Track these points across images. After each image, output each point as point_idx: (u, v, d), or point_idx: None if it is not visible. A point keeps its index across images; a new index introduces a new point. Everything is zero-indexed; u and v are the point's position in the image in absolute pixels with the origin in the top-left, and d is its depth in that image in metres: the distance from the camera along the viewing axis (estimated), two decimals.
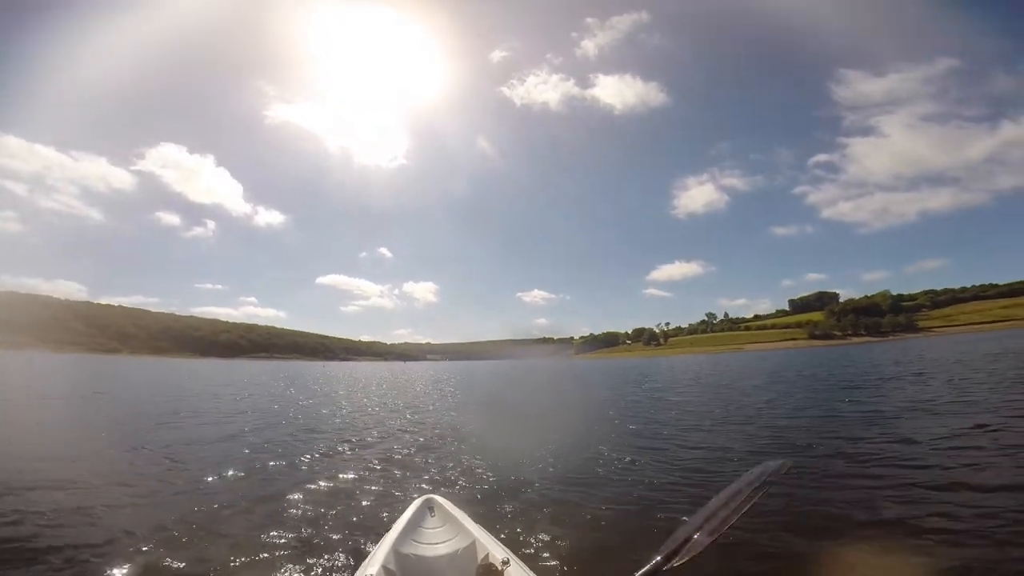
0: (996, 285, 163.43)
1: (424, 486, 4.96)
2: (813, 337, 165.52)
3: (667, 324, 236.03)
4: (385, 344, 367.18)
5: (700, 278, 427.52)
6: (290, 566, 3.21)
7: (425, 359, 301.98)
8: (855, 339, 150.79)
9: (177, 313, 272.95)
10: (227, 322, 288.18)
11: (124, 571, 3.23)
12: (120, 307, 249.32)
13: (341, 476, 5.71)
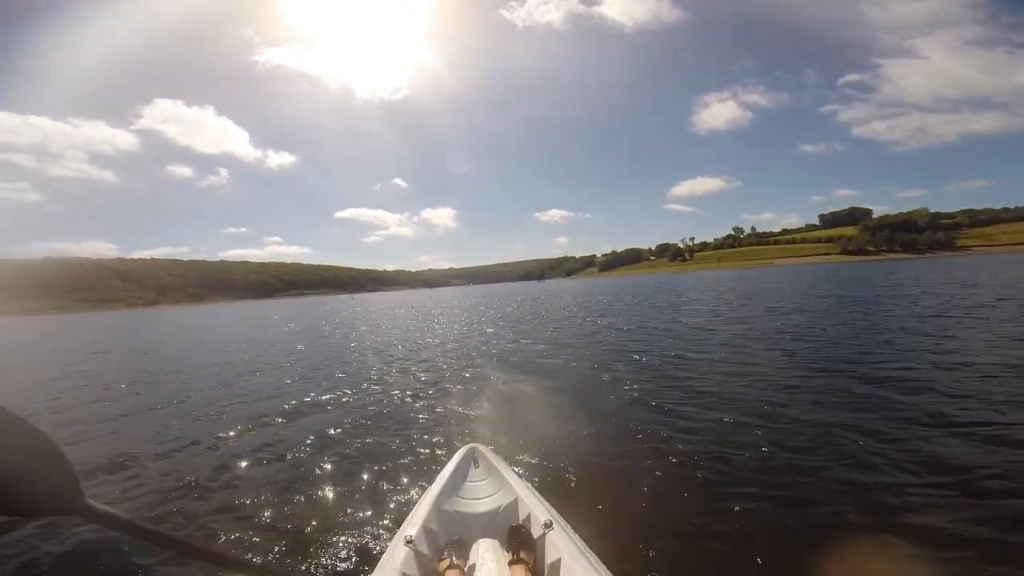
0: None
1: (467, 434, 4.78)
2: (846, 252, 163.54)
3: (692, 239, 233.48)
4: (410, 272, 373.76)
5: (724, 193, 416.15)
6: (327, 522, 3.21)
7: (450, 284, 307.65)
8: (890, 255, 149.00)
9: (207, 260, 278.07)
10: (256, 263, 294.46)
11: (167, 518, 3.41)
12: (152, 260, 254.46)
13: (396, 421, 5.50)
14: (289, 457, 4.49)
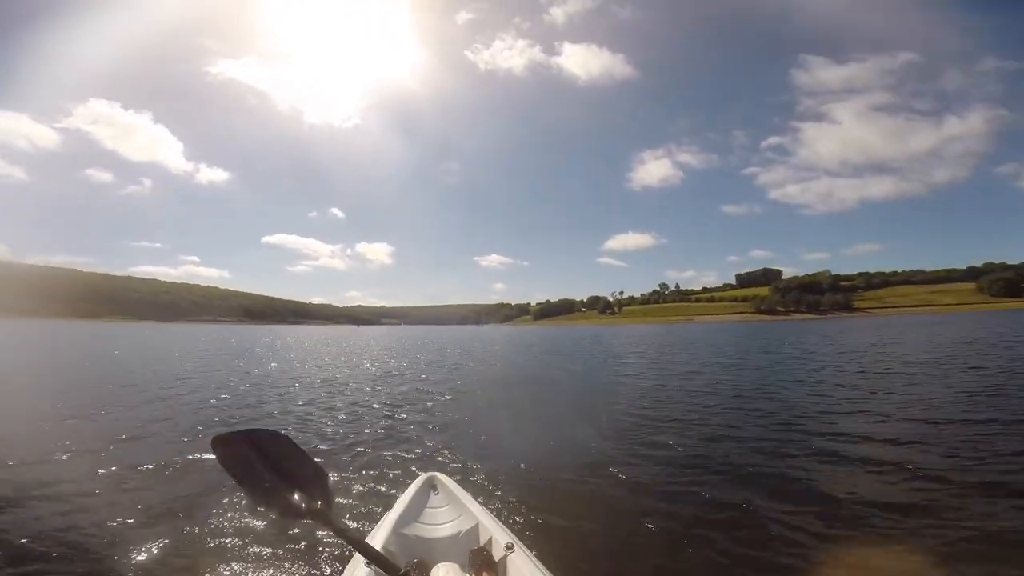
0: (923, 271, 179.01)
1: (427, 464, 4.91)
2: (759, 312, 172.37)
3: (621, 293, 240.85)
4: (337, 307, 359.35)
5: (652, 249, 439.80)
6: (280, 549, 3.08)
7: (380, 323, 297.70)
8: (796, 315, 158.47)
9: (110, 273, 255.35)
10: (167, 282, 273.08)
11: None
12: (44, 267, 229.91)
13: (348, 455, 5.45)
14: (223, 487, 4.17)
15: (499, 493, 3.93)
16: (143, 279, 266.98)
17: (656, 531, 3.29)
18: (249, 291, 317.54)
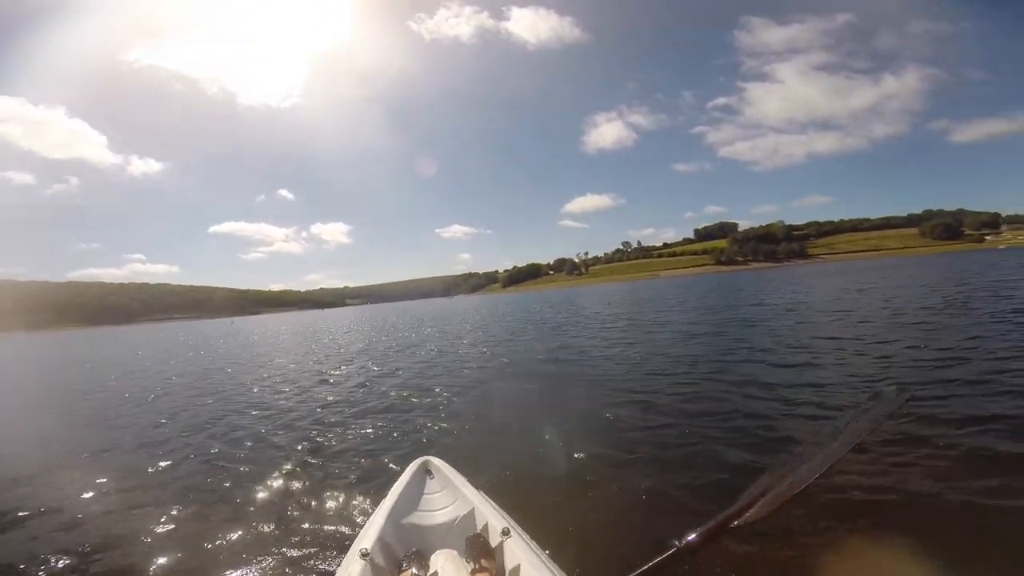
0: (869, 219, 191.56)
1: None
2: (719, 263, 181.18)
3: (586, 253, 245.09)
4: (298, 292, 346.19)
5: (611, 209, 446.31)
6: (274, 545, 3.09)
7: (344, 304, 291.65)
8: (755, 264, 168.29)
9: (51, 280, 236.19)
10: (114, 284, 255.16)
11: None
12: None
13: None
14: (221, 476, 4.40)
15: (492, 475, 3.77)
16: (87, 283, 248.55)
17: (651, 513, 3.15)
18: (204, 284, 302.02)
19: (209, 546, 3.13)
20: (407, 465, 2.91)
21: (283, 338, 25.91)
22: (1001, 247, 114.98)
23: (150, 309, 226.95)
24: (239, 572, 2.82)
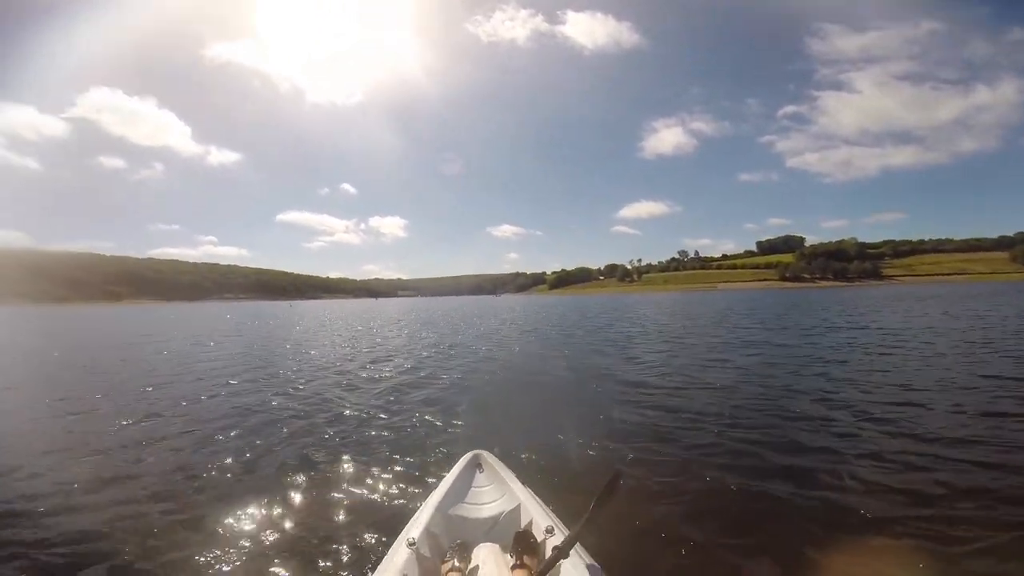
0: (952, 240, 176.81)
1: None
2: (784, 279, 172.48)
3: (639, 260, 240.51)
4: (354, 280, 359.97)
5: (666, 217, 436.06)
6: (317, 534, 3.10)
7: (396, 295, 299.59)
8: (823, 283, 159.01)
9: (133, 256, 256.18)
10: (188, 263, 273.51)
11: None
12: (68, 253, 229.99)
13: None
14: (287, 459, 4.45)
15: (538, 474, 3.76)
16: (165, 260, 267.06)
17: (704, 520, 3.13)
18: (269, 267, 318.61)
19: (261, 530, 3.17)
20: (459, 457, 2.97)
21: (337, 323, 26.77)
22: None
23: (220, 288, 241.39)
24: (292, 555, 2.87)
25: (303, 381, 8.42)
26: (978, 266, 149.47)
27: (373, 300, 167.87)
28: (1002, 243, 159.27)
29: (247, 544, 3.00)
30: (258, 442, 4.96)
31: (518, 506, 2.45)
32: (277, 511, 3.41)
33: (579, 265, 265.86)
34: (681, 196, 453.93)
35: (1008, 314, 17.64)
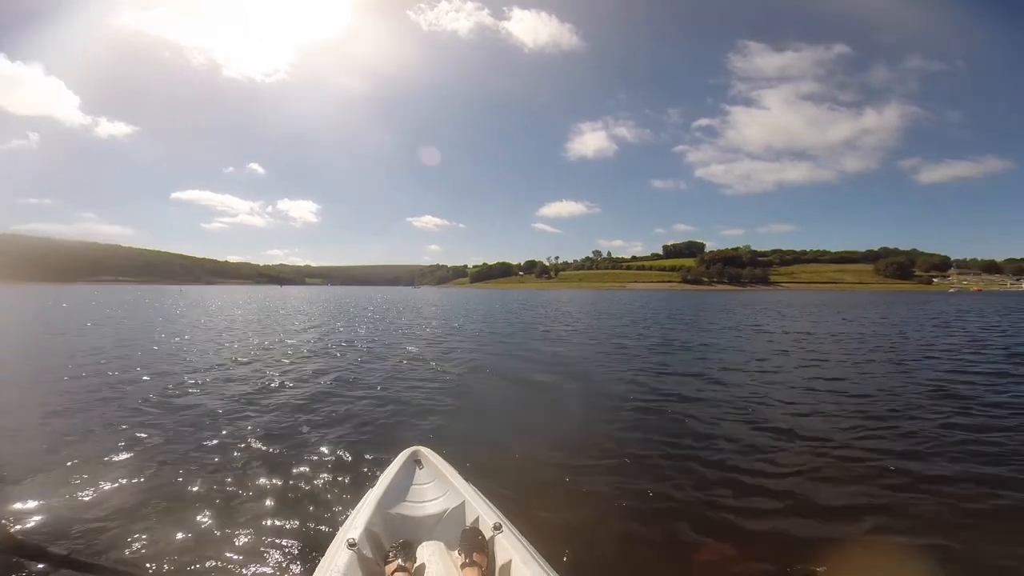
0: (829, 252, 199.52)
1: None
2: (685, 281, 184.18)
3: (557, 258, 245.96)
4: (256, 265, 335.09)
5: (585, 217, 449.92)
6: (255, 537, 2.90)
7: (304, 283, 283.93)
8: (719, 286, 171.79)
9: None
10: (60, 240, 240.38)
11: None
12: None
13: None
14: (198, 457, 4.14)
15: (481, 468, 3.67)
16: (32, 237, 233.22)
17: (641, 513, 3.20)
18: (158, 248, 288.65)
19: (184, 538, 2.91)
20: (396, 454, 2.85)
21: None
22: (951, 290, 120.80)
23: (96, 269, 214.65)
24: (221, 563, 2.67)
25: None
26: (848, 276, 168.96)
27: (278, 287, 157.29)
28: (868, 256, 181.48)
29: (164, 557, 2.72)
30: (159, 438, 4.62)
31: (463, 503, 2.39)
32: (195, 518, 3.12)
33: (500, 260, 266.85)
34: (599, 198, 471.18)
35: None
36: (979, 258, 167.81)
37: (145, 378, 7.39)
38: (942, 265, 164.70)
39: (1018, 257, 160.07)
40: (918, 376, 7.91)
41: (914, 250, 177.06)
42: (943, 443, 4.60)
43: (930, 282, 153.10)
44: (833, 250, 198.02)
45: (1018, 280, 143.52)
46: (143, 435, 4.71)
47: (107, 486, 3.57)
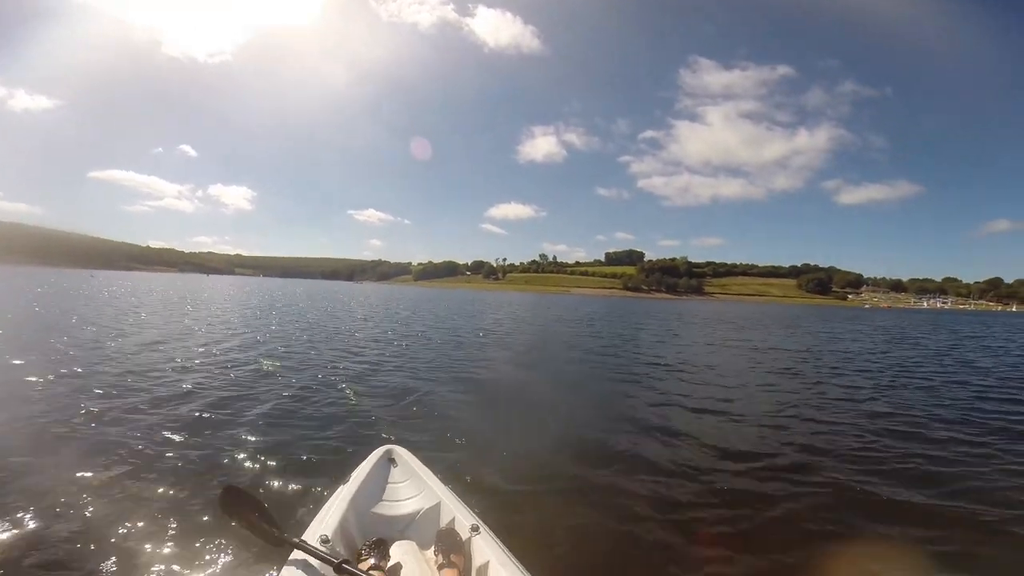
0: (756, 266, 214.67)
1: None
2: (626, 288, 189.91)
3: (504, 259, 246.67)
4: (181, 252, 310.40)
5: (531, 220, 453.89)
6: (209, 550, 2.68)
7: (233, 272, 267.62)
8: (657, 295, 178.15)
9: None
10: None
11: None
12: None
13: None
14: (156, 450, 3.96)
15: (454, 468, 3.67)
16: None
17: (617, 517, 3.20)
18: (71, 230, 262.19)
19: (147, 530, 2.82)
20: (368, 452, 2.82)
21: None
22: (867, 306, 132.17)
23: None
24: (189, 560, 2.59)
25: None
26: (774, 290, 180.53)
27: (204, 276, 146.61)
28: (792, 271, 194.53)
29: (135, 552, 2.63)
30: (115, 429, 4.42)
31: (438, 503, 2.37)
32: (167, 504, 3.08)
33: (446, 259, 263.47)
34: (546, 202, 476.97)
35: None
36: (888, 277, 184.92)
37: None
38: (856, 282, 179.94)
39: (920, 277, 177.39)
40: (943, 393, 8.15)
41: (832, 267, 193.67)
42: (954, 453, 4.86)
43: (845, 298, 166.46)
44: (761, 264, 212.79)
45: (920, 299, 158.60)
46: None
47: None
